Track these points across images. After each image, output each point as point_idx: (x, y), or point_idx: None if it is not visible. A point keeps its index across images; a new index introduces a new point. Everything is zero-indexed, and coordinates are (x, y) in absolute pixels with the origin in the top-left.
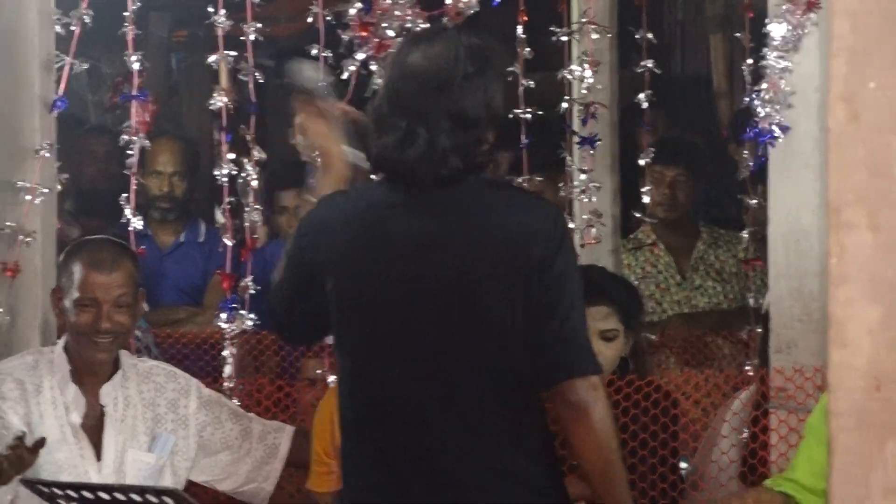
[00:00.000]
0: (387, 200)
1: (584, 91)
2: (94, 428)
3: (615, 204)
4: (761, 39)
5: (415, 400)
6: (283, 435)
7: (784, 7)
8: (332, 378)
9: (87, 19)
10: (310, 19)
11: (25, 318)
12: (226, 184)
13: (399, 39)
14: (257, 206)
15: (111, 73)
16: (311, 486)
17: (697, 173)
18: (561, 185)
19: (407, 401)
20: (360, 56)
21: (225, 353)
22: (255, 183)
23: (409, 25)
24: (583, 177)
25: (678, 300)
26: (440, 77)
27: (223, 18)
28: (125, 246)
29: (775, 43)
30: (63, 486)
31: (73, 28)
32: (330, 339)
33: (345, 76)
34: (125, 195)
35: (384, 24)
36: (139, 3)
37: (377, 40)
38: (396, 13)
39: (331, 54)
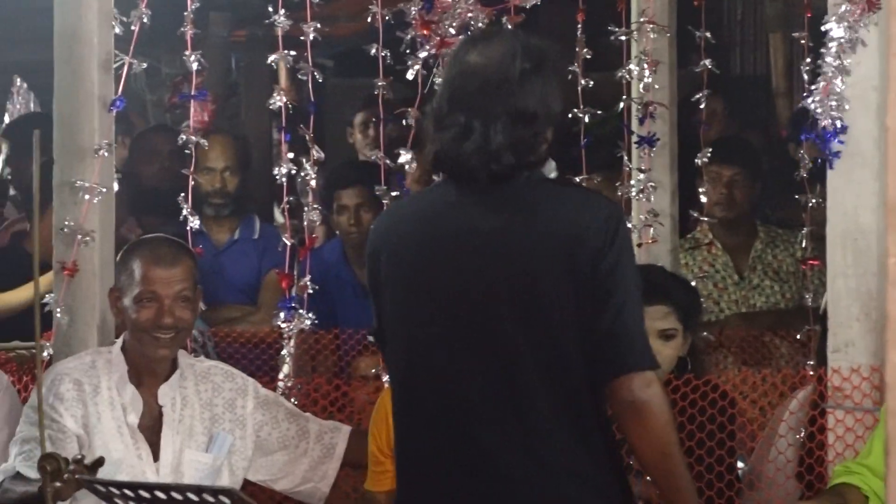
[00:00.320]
0: (442, 199)
1: (643, 91)
2: (151, 428)
3: (674, 203)
4: (820, 39)
5: (472, 398)
6: (339, 435)
7: (843, 7)
8: (386, 377)
9: (145, 19)
10: (369, 18)
11: (83, 318)
12: (285, 183)
13: (460, 37)
14: (316, 206)
15: (170, 73)
16: (369, 485)
17: (755, 173)
18: (618, 184)
19: (464, 399)
20: (423, 54)
21: (283, 352)
22: (313, 182)
23: (470, 22)
24: (641, 176)
25: (736, 300)
26: (498, 74)
27: (283, 18)
28: (183, 243)
29: (833, 43)
30: (119, 485)
31: (132, 28)
32: None
33: (410, 76)
34: (182, 194)
35: (446, 22)
36: (199, 3)
37: (439, 38)
38: (458, 10)
39: (389, 53)
